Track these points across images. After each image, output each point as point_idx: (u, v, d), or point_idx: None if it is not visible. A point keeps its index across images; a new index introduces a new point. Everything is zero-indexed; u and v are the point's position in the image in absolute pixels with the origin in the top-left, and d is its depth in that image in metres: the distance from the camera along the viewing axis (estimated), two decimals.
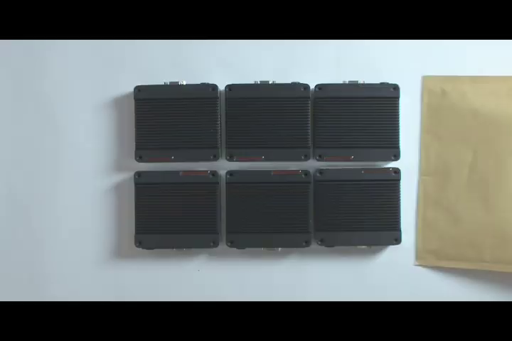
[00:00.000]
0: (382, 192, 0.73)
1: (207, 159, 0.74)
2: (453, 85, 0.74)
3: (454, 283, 0.74)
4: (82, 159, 0.76)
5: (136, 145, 0.74)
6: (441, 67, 0.75)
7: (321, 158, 0.73)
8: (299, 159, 0.73)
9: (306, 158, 0.73)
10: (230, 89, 0.74)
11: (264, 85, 0.74)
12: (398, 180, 0.73)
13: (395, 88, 0.73)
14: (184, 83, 0.74)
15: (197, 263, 0.76)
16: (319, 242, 0.73)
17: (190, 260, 0.76)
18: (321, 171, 0.73)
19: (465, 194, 0.72)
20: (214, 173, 0.74)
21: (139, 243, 0.74)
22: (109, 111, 0.76)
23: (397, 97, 0.73)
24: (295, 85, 0.73)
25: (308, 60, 0.76)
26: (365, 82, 0.74)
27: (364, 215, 0.72)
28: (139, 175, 0.74)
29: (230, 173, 0.74)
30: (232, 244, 0.74)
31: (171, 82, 0.74)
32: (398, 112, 0.73)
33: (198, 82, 0.74)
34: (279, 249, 0.74)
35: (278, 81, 0.74)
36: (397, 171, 0.73)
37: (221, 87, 0.74)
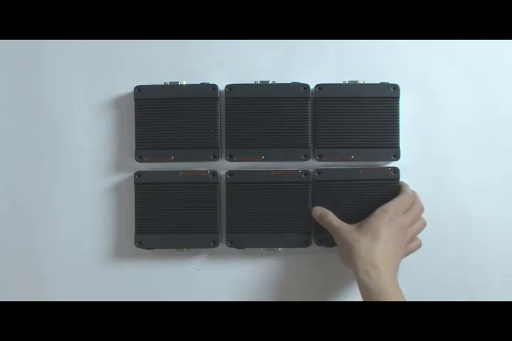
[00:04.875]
0: (381, 192, 0.73)
1: (207, 159, 0.74)
2: None
3: (453, 282, 0.74)
4: (82, 159, 0.76)
5: (136, 145, 0.74)
6: (442, 67, 0.75)
7: (321, 158, 0.73)
8: (299, 159, 0.73)
9: (306, 158, 0.73)
10: (229, 89, 0.74)
11: (264, 85, 0.74)
12: (397, 179, 0.73)
13: (395, 88, 0.73)
14: (184, 83, 0.74)
15: (197, 263, 0.76)
16: (318, 242, 0.73)
17: (190, 260, 0.76)
18: (319, 171, 0.73)
19: None
20: (214, 173, 0.74)
21: (139, 243, 0.74)
22: (109, 111, 0.76)
23: (397, 97, 0.73)
24: (295, 85, 0.73)
25: (308, 60, 0.76)
26: (365, 82, 0.74)
27: (364, 215, 0.72)
28: (139, 175, 0.74)
29: (230, 173, 0.74)
30: (232, 244, 0.74)
31: (171, 82, 0.74)
32: (398, 112, 0.73)
33: (198, 82, 0.74)
34: (279, 248, 0.74)
35: (278, 81, 0.74)
36: (396, 170, 0.73)
37: (221, 87, 0.74)
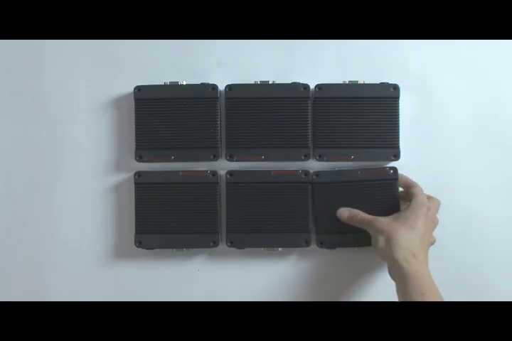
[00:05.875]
0: (380, 192, 0.72)
1: (207, 159, 0.74)
2: None
3: (453, 282, 0.74)
4: (82, 159, 0.76)
5: (136, 145, 0.74)
6: (442, 67, 0.75)
7: (321, 158, 0.73)
8: (299, 159, 0.73)
9: (306, 158, 0.73)
10: (229, 89, 0.74)
11: (264, 85, 0.74)
12: (396, 178, 0.73)
13: (395, 88, 0.73)
14: (184, 83, 0.74)
15: (197, 263, 0.76)
16: (320, 244, 0.73)
17: (190, 260, 0.76)
18: (317, 173, 0.73)
19: None
20: (214, 173, 0.74)
21: (139, 243, 0.74)
22: (109, 111, 0.76)
23: (397, 97, 0.73)
24: (295, 85, 0.73)
25: (308, 60, 0.76)
26: (365, 82, 0.74)
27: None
28: (139, 175, 0.74)
29: (230, 173, 0.74)
30: (232, 244, 0.74)
31: (171, 82, 0.74)
32: (398, 112, 0.73)
33: (198, 82, 0.74)
34: (279, 248, 0.74)
35: (278, 81, 0.74)
36: (394, 170, 0.73)
37: (221, 87, 0.74)
